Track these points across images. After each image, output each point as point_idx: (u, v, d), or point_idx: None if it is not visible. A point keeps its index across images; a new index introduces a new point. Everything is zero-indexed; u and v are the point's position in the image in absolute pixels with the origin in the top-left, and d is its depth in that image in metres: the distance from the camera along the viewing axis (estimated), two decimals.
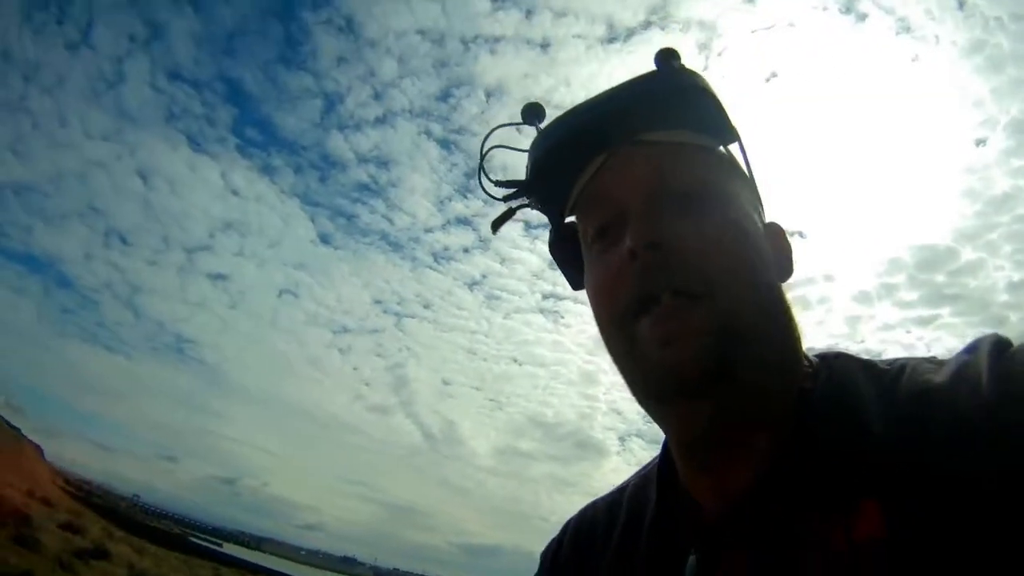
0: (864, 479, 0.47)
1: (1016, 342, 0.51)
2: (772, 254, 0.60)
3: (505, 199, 0.67)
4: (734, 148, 0.63)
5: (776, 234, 0.63)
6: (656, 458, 0.67)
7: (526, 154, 0.65)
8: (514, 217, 0.70)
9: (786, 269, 0.62)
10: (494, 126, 0.70)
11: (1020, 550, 0.40)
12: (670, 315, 0.53)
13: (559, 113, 0.63)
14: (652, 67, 0.61)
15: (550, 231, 0.68)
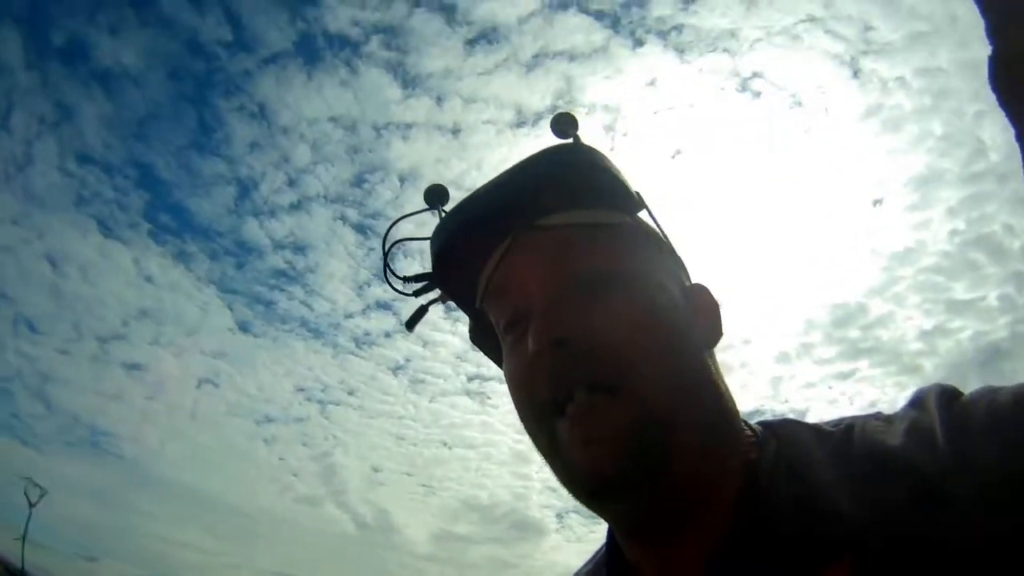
0: (827, 544, 0.44)
1: (961, 389, 0.50)
2: (696, 321, 0.58)
3: (415, 294, 0.65)
4: (644, 216, 0.62)
5: (700, 296, 0.61)
6: (602, 546, 0.63)
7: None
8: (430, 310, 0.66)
9: (714, 332, 0.59)
10: (396, 218, 0.68)
11: None
12: (586, 414, 0.50)
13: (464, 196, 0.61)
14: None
15: (469, 323, 0.66)
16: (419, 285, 0.64)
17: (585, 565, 0.68)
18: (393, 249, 0.65)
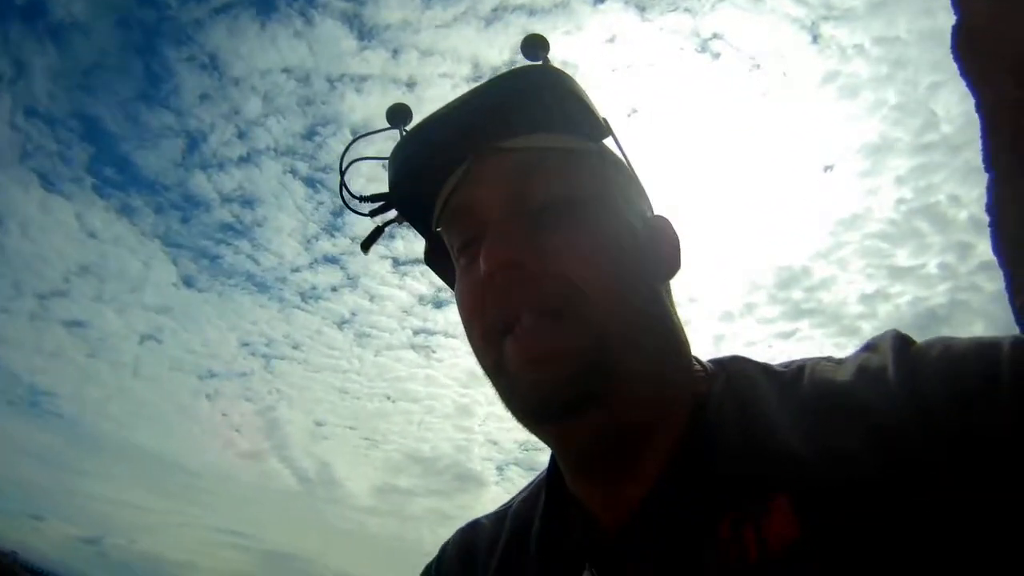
0: (771, 476, 0.45)
1: (916, 339, 0.49)
2: (654, 252, 0.57)
3: (371, 214, 0.63)
4: (610, 143, 0.60)
5: (661, 227, 0.60)
6: (543, 472, 0.63)
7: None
8: (381, 237, 0.65)
9: (671, 264, 0.59)
10: (356, 135, 0.66)
11: (931, 544, 0.39)
12: (531, 336, 0.50)
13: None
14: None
15: (425, 245, 0.65)
16: (376, 205, 0.63)
17: (521, 491, 0.68)
18: (350, 169, 0.63)
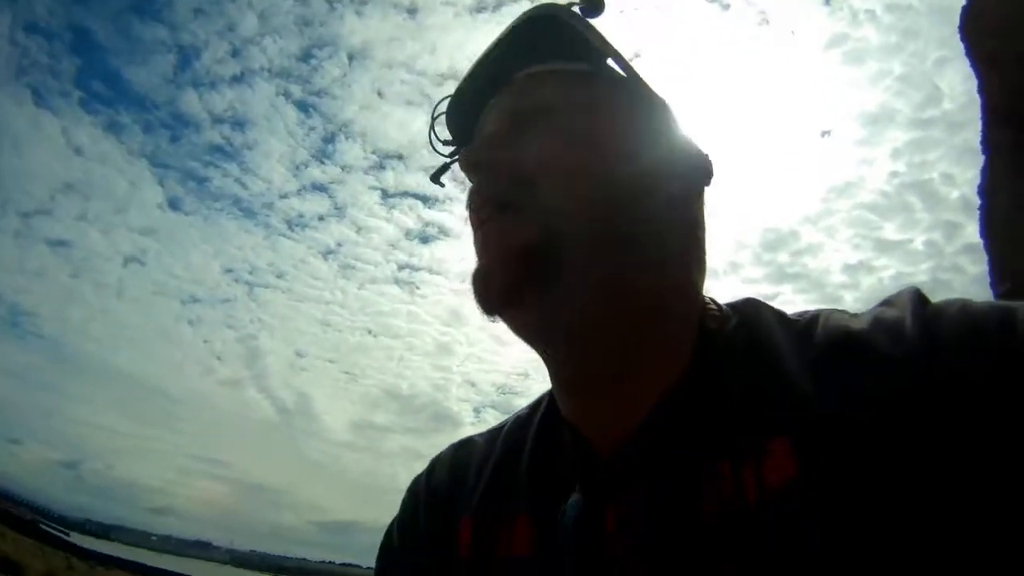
0: (775, 419, 0.44)
1: (932, 298, 0.49)
2: (665, 163, 0.55)
3: (451, 156, 0.67)
4: (627, 71, 0.59)
5: (683, 148, 0.59)
6: (541, 395, 0.64)
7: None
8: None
9: (692, 177, 0.58)
10: (443, 97, 0.68)
11: (929, 489, 0.38)
12: (485, 227, 0.53)
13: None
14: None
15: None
16: (452, 148, 0.68)
17: (518, 412, 0.67)
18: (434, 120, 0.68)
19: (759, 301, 0.56)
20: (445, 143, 0.67)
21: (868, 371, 0.43)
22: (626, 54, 0.60)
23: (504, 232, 0.51)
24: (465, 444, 0.68)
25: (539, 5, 0.59)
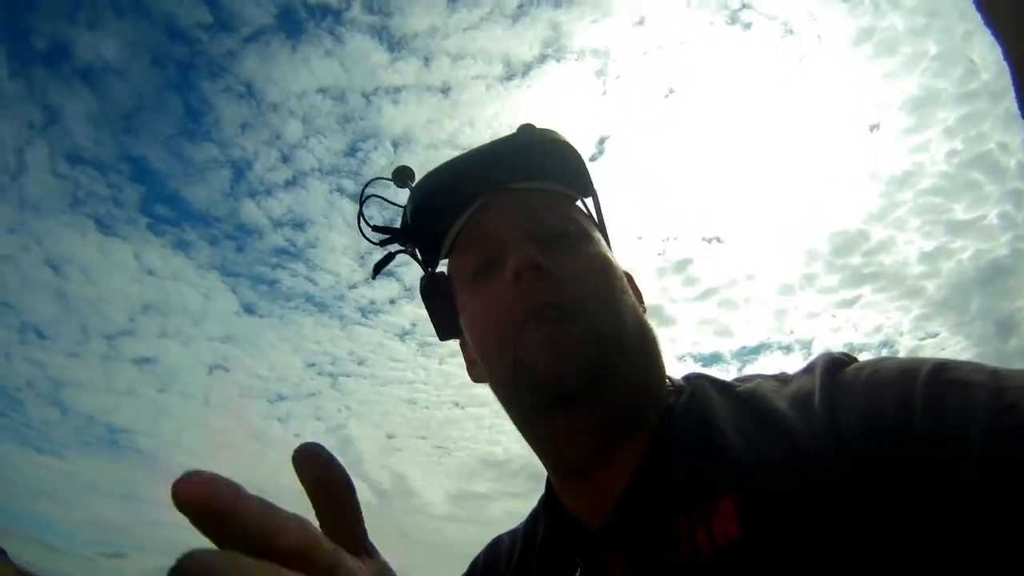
0: (720, 479, 0.50)
1: (857, 357, 0.55)
2: (632, 289, 0.67)
3: (382, 243, 0.73)
4: (590, 203, 0.72)
5: (630, 279, 0.70)
6: (541, 497, 0.72)
7: (401, 209, 0.71)
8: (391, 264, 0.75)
9: (642, 308, 0.68)
10: (370, 179, 0.76)
11: (849, 555, 0.42)
12: (552, 327, 0.57)
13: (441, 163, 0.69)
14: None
15: (421, 279, 0.72)
16: (386, 236, 0.72)
17: (532, 512, 0.74)
18: (366, 205, 0.73)
19: (702, 374, 0.65)
20: (383, 230, 0.72)
21: (784, 446, 0.49)
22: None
23: (572, 336, 0.57)
24: (495, 544, 0.78)
25: (530, 127, 0.68)
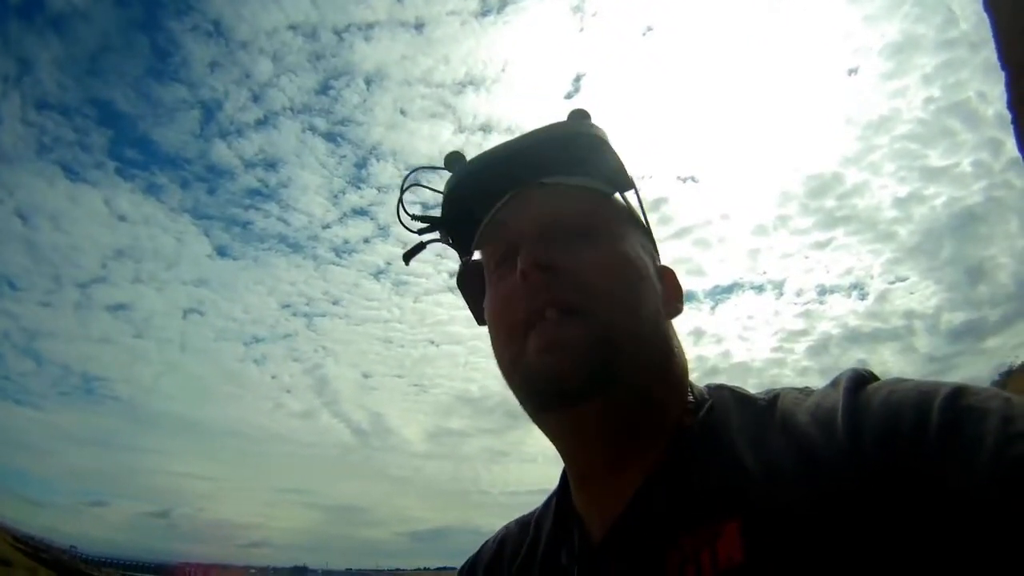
0: (728, 503, 0.51)
1: (879, 375, 0.55)
2: (662, 292, 0.66)
3: (419, 232, 0.73)
4: (631, 197, 0.70)
5: (667, 275, 0.70)
6: (555, 489, 0.73)
7: (440, 195, 0.71)
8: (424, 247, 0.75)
9: (674, 306, 0.68)
10: (414, 167, 0.76)
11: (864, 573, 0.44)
12: (552, 328, 0.58)
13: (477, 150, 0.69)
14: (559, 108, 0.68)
15: (459, 267, 0.74)
16: (425, 225, 0.73)
17: (547, 499, 0.76)
18: (407, 193, 0.74)
19: (724, 385, 0.65)
20: (421, 219, 0.72)
21: (803, 464, 0.49)
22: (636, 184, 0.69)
23: (574, 334, 0.57)
24: (505, 532, 0.79)
25: (568, 121, 0.68)
